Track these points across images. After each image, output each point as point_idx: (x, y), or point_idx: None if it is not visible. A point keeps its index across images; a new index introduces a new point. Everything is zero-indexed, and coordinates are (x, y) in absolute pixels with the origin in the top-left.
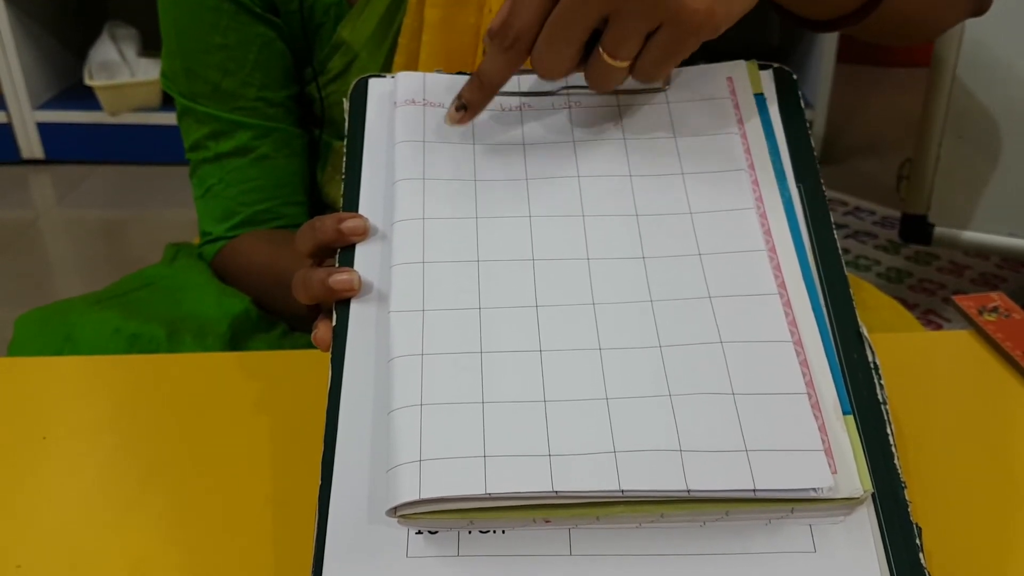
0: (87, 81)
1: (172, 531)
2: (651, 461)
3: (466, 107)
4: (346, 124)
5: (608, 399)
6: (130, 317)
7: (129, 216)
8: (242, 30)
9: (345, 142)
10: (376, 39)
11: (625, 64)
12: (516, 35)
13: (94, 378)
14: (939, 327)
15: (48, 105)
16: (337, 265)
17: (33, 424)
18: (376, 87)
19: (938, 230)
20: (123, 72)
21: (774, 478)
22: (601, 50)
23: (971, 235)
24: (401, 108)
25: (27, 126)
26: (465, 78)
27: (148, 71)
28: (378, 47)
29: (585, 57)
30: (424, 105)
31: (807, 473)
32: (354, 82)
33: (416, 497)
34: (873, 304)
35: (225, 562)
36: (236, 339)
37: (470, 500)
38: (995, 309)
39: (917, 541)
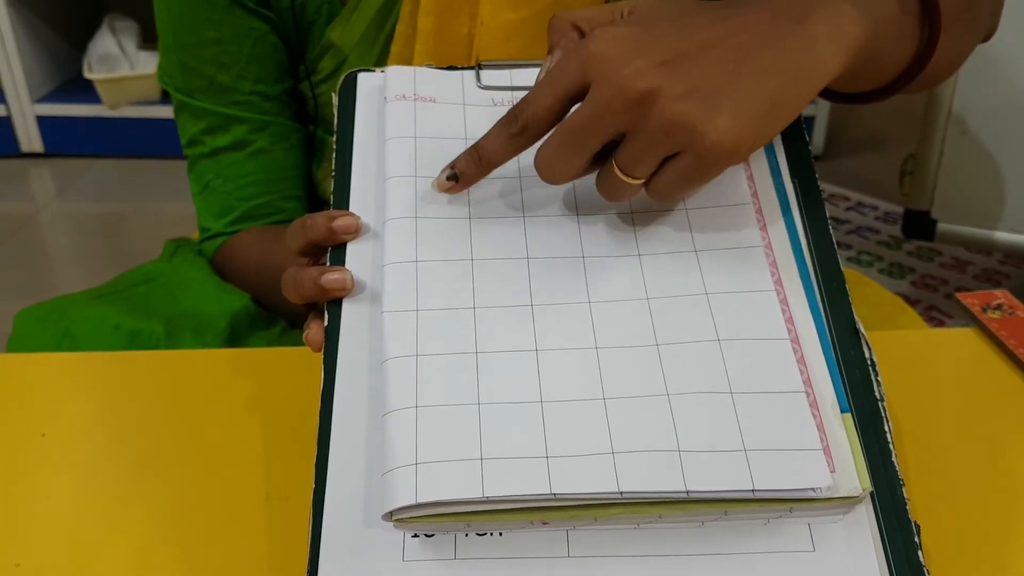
0: (86, 74)
1: (171, 528)
2: (649, 462)
3: (458, 178)
4: (335, 119)
5: (605, 399)
6: (129, 313)
7: (129, 209)
8: (236, 24)
9: (335, 138)
10: (366, 42)
11: (638, 181)
12: (525, 123)
13: (93, 374)
14: (941, 323)
15: (47, 98)
16: (328, 264)
17: (32, 420)
18: (366, 82)
19: (941, 226)
20: (123, 65)
21: (773, 478)
22: (615, 164)
23: (974, 231)
24: (391, 103)
25: (26, 119)
26: (457, 73)
27: (148, 64)
28: (368, 50)
29: (594, 162)
30: (415, 100)
31: (806, 473)
32: (343, 76)
33: (412, 501)
34: (876, 301)
35: (223, 558)
36: (235, 336)
37: (467, 504)
38: (999, 306)
39: (916, 539)
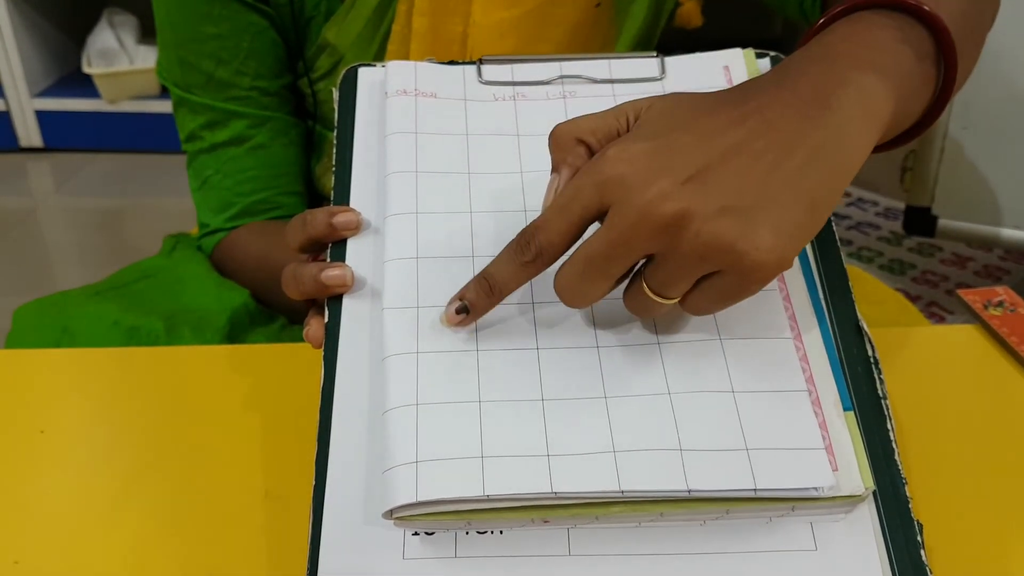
0: (85, 69)
1: (169, 525)
2: (651, 461)
3: (468, 310)
4: (335, 114)
5: (606, 397)
6: (128, 310)
7: (128, 204)
8: (234, 19)
9: (335, 133)
10: (362, 42)
11: (671, 302)
12: (539, 251)
13: (92, 371)
14: (942, 320)
15: (46, 93)
16: (329, 260)
17: (31, 417)
18: (366, 76)
19: (942, 222)
20: (122, 60)
21: (775, 478)
22: (645, 286)
23: (975, 227)
24: (392, 98)
25: (25, 114)
26: (458, 68)
27: (147, 59)
28: (364, 50)
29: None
30: (416, 95)
31: (808, 472)
32: (343, 71)
33: (413, 500)
34: (877, 298)
35: (222, 556)
36: (235, 332)
37: (468, 502)
38: (1000, 303)
39: (918, 538)
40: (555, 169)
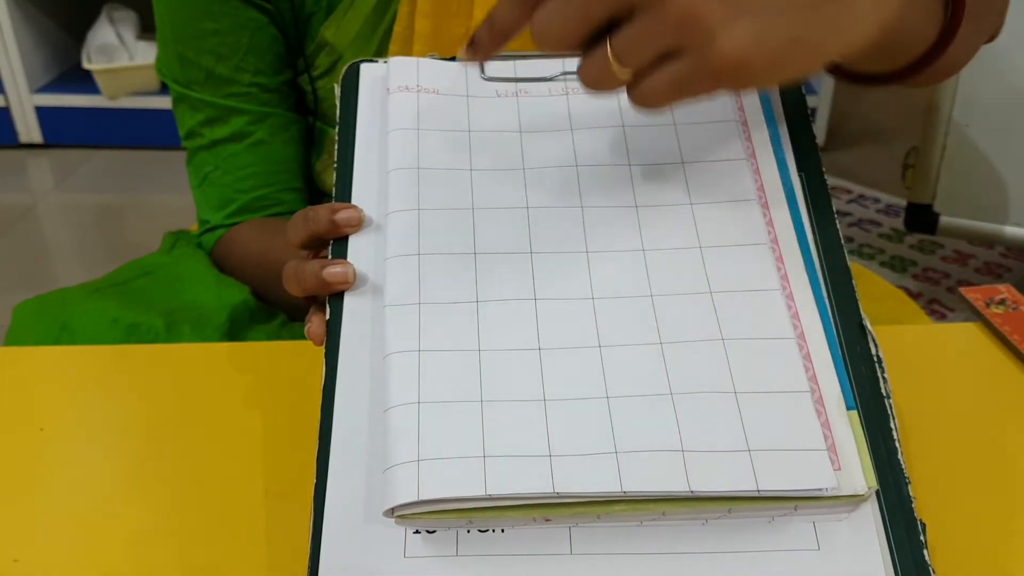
0: (85, 64)
1: (170, 523)
2: (653, 462)
3: (475, 45)
4: (337, 110)
5: (609, 398)
6: (128, 307)
7: (128, 200)
8: (234, 15)
9: (337, 129)
10: (360, 41)
11: (626, 73)
12: None
13: (91, 368)
14: (943, 317)
15: (46, 89)
16: (330, 257)
17: (30, 414)
18: (368, 72)
19: (943, 219)
20: (121, 55)
21: (777, 479)
22: (608, 46)
23: (977, 224)
24: (394, 95)
25: (25, 110)
26: (461, 64)
27: (146, 54)
28: (362, 49)
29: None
30: (418, 92)
31: (810, 473)
32: (345, 67)
33: (414, 498)
34: (878, 294)
35: (223, 554)
36: (235, 330)
37: (469, 501)
38: (1002, 301)
39: (921, 537)
40: None
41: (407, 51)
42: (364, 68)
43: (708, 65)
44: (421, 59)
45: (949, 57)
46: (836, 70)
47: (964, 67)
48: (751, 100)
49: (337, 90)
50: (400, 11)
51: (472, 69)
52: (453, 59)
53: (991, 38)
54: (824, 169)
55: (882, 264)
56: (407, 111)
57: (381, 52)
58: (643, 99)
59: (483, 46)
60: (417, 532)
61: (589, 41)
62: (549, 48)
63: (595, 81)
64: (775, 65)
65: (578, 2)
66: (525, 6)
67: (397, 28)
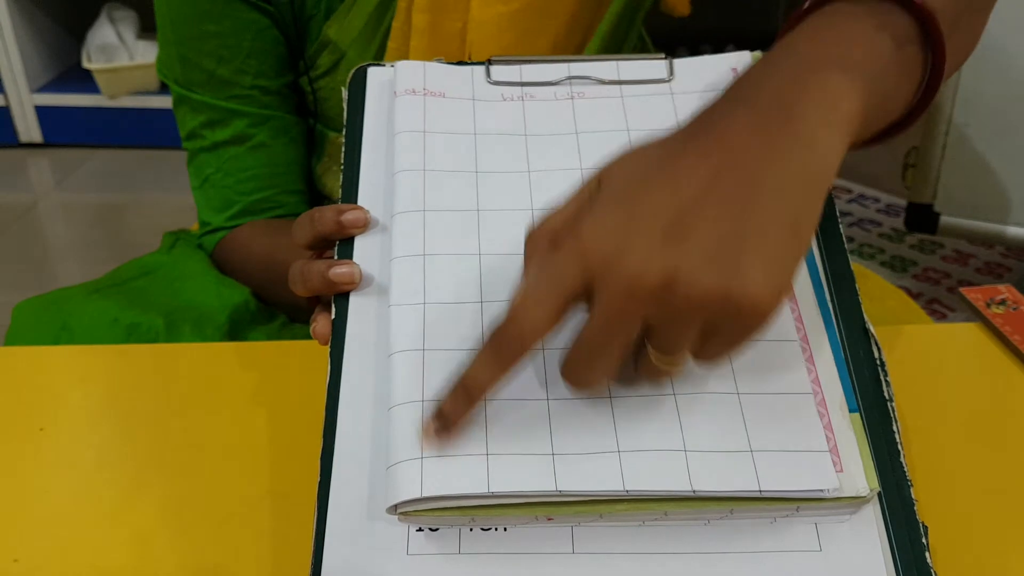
0: (85, 64)
1: (171, 522)
2: (655, 461)
3: (445, 423)
4: (344, 113)
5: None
6: (128, 306)
7: (128, 200)
8: (235, 17)
9: (344, 131)
10: (363, 39)
11: (684, 361)
12: (521, 343)
13: (92, 368)
14: (944, 317)
15: (46, 88)
16: (336, 257)
17: (30, 414)
18: (375, 76)
19: (944, 219)
20: (121, 55)
21: (779, 479)
22: (652, 354)
23: (977, 224)
24: (401, 97)
25: (25, 109)
26: (467, 68)
27: (146, 54)
28: (365, 47)
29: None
30: (424, 95)
31: (813, 474)
32: (352, 70)
33: (417, 495)
34: (879, 294)
35: (225, 552)
36: (235, 330)
37: (472, 499)
38: (1003, 301)
39: (923, 540)
40: (525, 269)
41: (405, 46)
42: (371, 72)
43: (751, 319)
44: (428, 63)
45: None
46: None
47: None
48: None
49: (344, 93)
50: (399, 7)
51: (478, 73)
52: (460, 63)
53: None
54: None
55: (882, 264)
56: (413, 114)
57: (383, 49)
58: (710, 363)
59: (456, 418)
60: (420, 530)
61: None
62: (594, 393)
63: (659, 377)
64: (797, 256)
65: (597, 352)
66: (508, 364)
67: (396, 24)
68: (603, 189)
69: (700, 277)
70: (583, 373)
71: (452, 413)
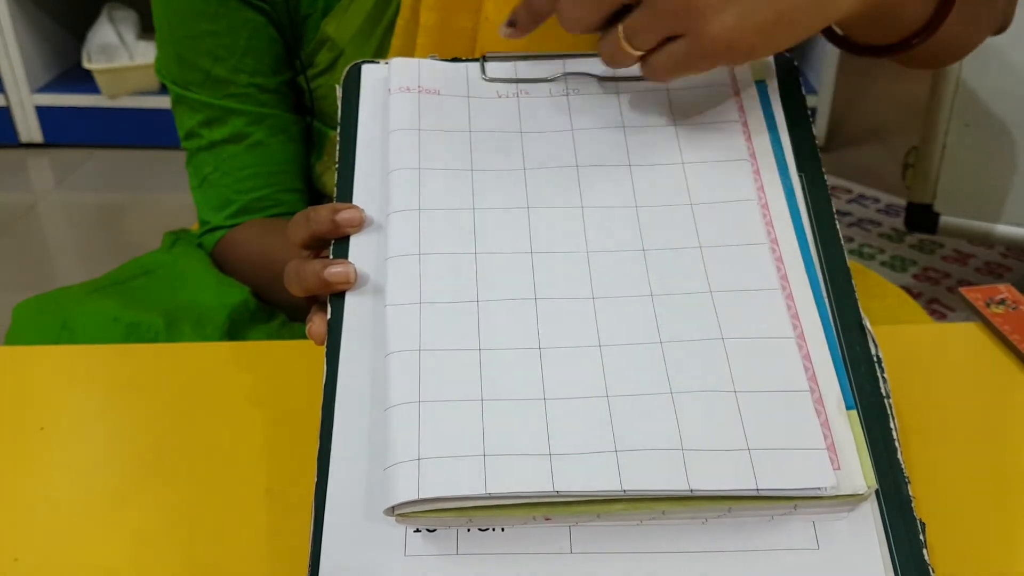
0: (85, 64)
1: (170, 522)
2: (653, 460)
3: (515, 24)
4: (339, 111)
5: (609, 396)
6: (128, 306)
7: (128, 200)
8: (231, 16)
9: (338, 130)
10: (362, 36)
11: (637, 53)
12: None
13: (92, 367)
14: (943, 316)
15: (46, 88)
16: (331, 256)
17: (30, 414)
18: (370, 73)
19: (943, 219)
20: (122, 55)
21: (777, 478)
22: (620, 30)
23: (977, 224)
24: (396, 95)
25: (25, 109)
26: (461, 65)
27: (147, 54)
28: (364, 44)
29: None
30: (419, 92)
31: (810, 472)
32: (347, 68)
33: (415, 496)
34: (879, 293)
35: (223, 552)
36: (235, 329)
37: (470, 499)
38: (1003, 301)
39: (921, 537)
40: None
41: (410, 44)
42: (366, 69)
43: (703, 48)
44: (422, 60)
45: (948, 38)
46: (834, 38)
47: (967, 56)
48: (752, 102)
49: (339, 91)
50: (403, 3)
51: (473, 70)
52: (455, 60)
53: (1000, 29)
54: (824, 169)
55: (882, 264)
56: (408, 111)
57: (383, 47)
58: (651, 73)
59: (522, 24)
60: (417, 531)
61: (606, 24)
62: (574, 30)
63: (610, 58)
64: (764, 41)
65: None
66: None
67: (400, 21)
68: None
69: None
70: (576, 9)
71: (518, 18)
